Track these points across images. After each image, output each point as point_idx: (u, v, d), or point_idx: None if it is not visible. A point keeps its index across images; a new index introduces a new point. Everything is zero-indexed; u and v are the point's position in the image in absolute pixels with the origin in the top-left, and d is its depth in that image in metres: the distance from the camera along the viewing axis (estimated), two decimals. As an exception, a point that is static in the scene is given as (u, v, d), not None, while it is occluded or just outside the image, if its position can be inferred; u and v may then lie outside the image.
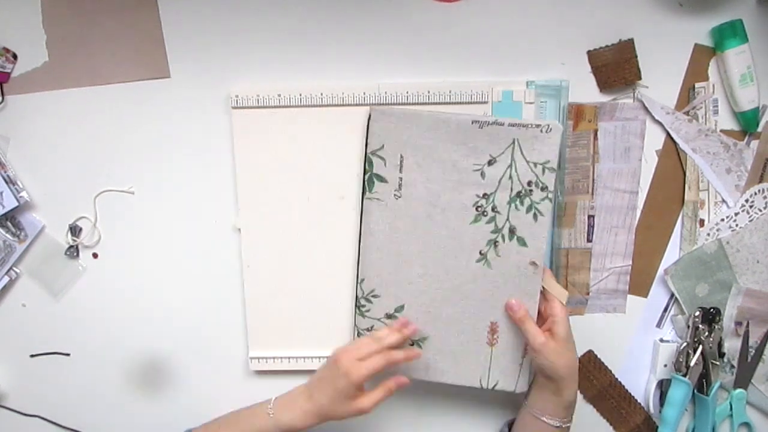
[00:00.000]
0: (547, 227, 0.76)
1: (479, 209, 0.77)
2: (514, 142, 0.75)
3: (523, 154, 0.75)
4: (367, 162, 0.78)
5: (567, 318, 0.75)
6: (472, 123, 0.75)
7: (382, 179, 0.78)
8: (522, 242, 0.77)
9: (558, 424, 0.76)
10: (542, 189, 0.76)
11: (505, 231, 0.77)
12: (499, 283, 0.78)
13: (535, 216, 0.76)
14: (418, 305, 0.80)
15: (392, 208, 0.78)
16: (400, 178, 0.78)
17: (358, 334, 0.82)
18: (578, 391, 0.86)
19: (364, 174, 0.79)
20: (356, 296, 0.81)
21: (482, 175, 0.76)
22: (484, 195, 0.77)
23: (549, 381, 0.75)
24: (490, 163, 0.76)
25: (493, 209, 0.77)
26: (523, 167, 0.75)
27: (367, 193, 0.79)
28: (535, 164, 0.75)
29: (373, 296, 0.80)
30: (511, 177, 0.76)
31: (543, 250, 0.77)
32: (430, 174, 0.77)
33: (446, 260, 0.78)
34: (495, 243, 0.77)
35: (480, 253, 0.78)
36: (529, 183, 0.76)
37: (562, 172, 0.82)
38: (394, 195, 0.78)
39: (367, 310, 0.81)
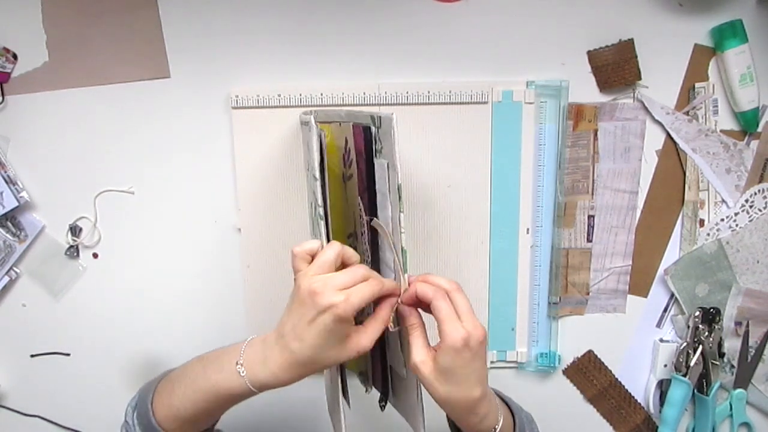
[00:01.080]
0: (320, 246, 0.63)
1: (312, 219, 0.69)
2: (307, 145, 0.67)
3: (311, 158, 0.66)
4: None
5: (459, 349, 0.58)
6: (300, 123, 0.69)
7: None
8: None
9: None
10: (315, 201, 0.63)
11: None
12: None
13: (319, 233, 0.64)
14: None
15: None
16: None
17: None
18: (580, 393, 0.87)
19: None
20: None
21: (306, 181, 0.69)
22: (311, 203, 0.69)
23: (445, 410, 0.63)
24: (307, 167, 0.68)
25: (311, 223, 0.69)
26: (309, 174, 0.67)
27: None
28: (312, 170, 0.64)
29: None
30: (310, 185, 0.68)
31: None
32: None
33: None
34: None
35: None
36: (313, 193, 0.65)
37: (562, 172, 0.82)
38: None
39: None
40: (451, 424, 0.67)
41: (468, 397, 0.60)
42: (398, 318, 0.63)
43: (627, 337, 0.86)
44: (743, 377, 0.86)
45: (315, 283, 0.58)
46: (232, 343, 0.66)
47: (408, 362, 0.61)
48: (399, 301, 0.62)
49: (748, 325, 0.85)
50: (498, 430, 0.63)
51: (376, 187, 0.64)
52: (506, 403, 0.69)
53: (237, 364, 0.62)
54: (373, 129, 0.63)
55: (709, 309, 0.83)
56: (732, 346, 0.85)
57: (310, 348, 0.58)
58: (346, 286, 0.58)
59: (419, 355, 0.60)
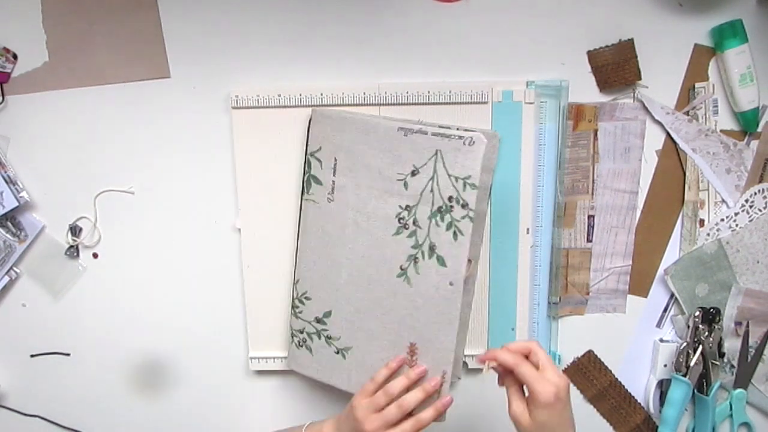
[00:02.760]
0: (466, 248, 0.69)
1: (401, 221, 0.72)
2: (437, 153, 0.69)
3: (446, 166, 0.69)
4: (306, 163, 0.77)
5: (553, 403, 0.63)
6: (398, 130, 0.71)
7: (318, 181, 0.77)
8: (441, 262, 0.70)
9: None
10: (463, 206, 0.69)
11: (425, 248, 0.71)
12: (418, 303, 0.72)
13: (455, 234, 0.69)
14: (344, 313, 0.77)
15: (325, 211, 0.77)
16: (333, 182, 0.76)
17: (292, 335, 0.82)
18: (580, 393, 0.87)
19: (303, 175, 0.78)
20: (292, 296, 0.81)
21: (405, 185, 0.71)
22: (407, 207, 0.71)
23: None
24: (413, 173, 0.71)
25: (414, 223, 0.71)
26: (444, 181, 0.69)
27: (305, 194, 0.78)
28: (456, 179, 0.68)
29: (305, 298, 0.80)
30: (432, 190, 0.70)
31: (462, 273, 0.70)
32: (359, 180, 0.74)
33: (369, 270, 0.75)
34: (415, 259, 0.72)
35: (401, 268, 0.73)
36: (450, 198, 0.69)
37: (562, 172, 0.82)
38: (327, 198, 0.76)
39: (300, 312, 0.81)
40: None
41: None
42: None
43: (627, 337, 0.86)
44: (743, 377, 0.86)
45: (360, 411, 0.71)
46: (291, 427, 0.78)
47: (509, 413, 0.66)
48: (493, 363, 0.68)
49: (748, 325, 0.85)
50: None
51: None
52: None
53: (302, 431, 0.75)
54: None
55: (709, 309, 0.83)
56: (732, 346, 0.85)
57: None
58: (388, 425, 0.69)
59: (518, 407, 0.66)
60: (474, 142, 0.68)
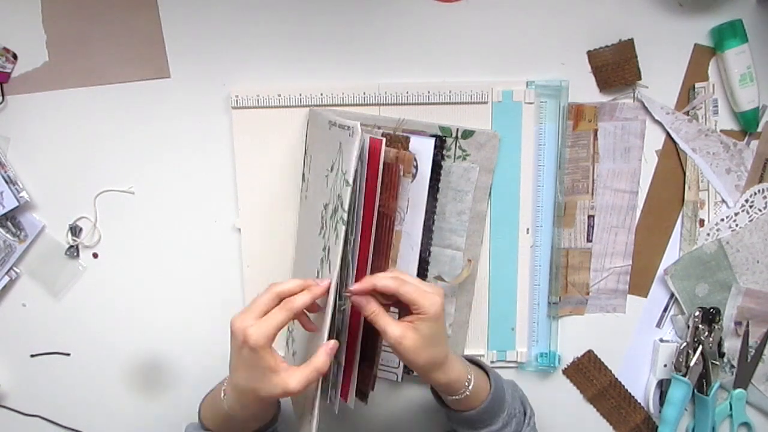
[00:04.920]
0: (339, 255, 0.61)
1: (322, 220, 0.67)
2: (339, 146, 0.62)
3: (342, 161, 0.61)
4: (303, 161, 0.78)
5: (436, 304, 0.64)
6: (328, 123, 0.66)
7: (304, 178, 0.78)
8: (333, 266, 0.63)
9: (456, 397, 0.69)
10: (341, 205, 0.61)
11: (326, 250, 0.65)
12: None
13: (337, 237, 0.61)
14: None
15: (303, 207, 0.78)
16: (308, 179, 0.77)
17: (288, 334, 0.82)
18: (580, 393, 0.87)
19: (303, 173, 0.79)
20: None
21: (326, 182, 0.65)
22: (325, 205, 0.66)
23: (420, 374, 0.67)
24: (331, 168, 0.64)
25: (324, 224, 0.66)
26: (339, 177, 0.62)
27: (301, 191, 0.79)
28: (343, 174, 0.60)
29: None
30: (333, 187, 0.63)
31: (330, 283, 0.62)
32: (315, 177, 0.72)
33: (311, 270, 0.71)
34: (322, 262, 0.66)
35: (317, 272, 0.68)
36: (338, 197, 0.62)
37: (562, 172, 0.82)
38: (305, 195, 0.77)
39: None
40: (437, 397, 0.75)
41: (444, 353, 0.67)
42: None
43: (627, 337, 0.86)
44: (743, 377, 0.86)
45: (235, 322, 0.61)
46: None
47: (387, 340, 0.64)
48: (348, 295, 0.64)
49: (748, 325, 0.85)
50: (472, 379, 0.69)
51: (450, 186, 0.77)
52: (477, 364, 0.76)
53: (223, 388, 0.69)
54: (450, 139, 0.75)
55: (709, 309, 0.83)
56: (732, 346, 0.85)
57: (244, 379, 0.62)
58: (261, 315, 0.61)
59: (396, 331, 0.63)
60: (353, 133, 0.60)
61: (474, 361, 0.77)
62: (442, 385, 0.69)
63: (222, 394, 0.68)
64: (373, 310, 0.65)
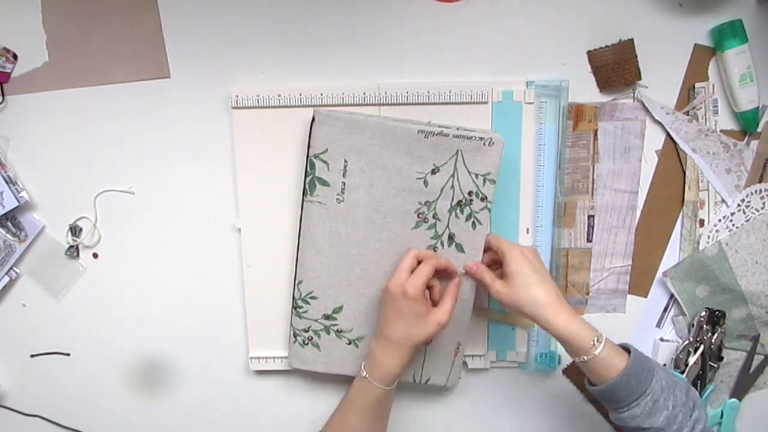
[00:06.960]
0: (484, 236, 0.78)
1: (420, 216, 0.78)
2: (457, 153, 0.77)
3: (466, 164, 0.77)
4: (309, 165, 0.78)
5: (517, 253, 0.73)
6: (418, 132, 0.76)
7: (324, 183, 0.78)
8: (460, 248, 0.79)
9: (582, 359, 0.70)
10: (482, 199, 0.78)
11: (445, 237, 0.79)
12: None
13: (473, 224, 0.78)
14: (356, 306, 0.81)
15: (333, 211, 0.79)
16: (344, 183, 0.78)
17: (294, 335, 0.82)
18: (580, 393, 0.87)
19: (306, 177, 0.79)
20: (293, 297, 0.82)
21: (425, 183, 0.78)
22: (426, 202, 0.78)
23: (531, 320, 0.73)
24: (433, 172, 0.77)
25: (434, 216, 0.78)
26: (465, 177, 0.77)
27: (308, 195, 0.79)
28: (477, 175, 0.77)
29: (311, 297, 0.81)
30: (453, 186, 0.78)
31: (479, 258, 0.79)
32: (373, 180, 0.78)
33: (385, 264, 0.79)
34: (434, 248, 0.79)
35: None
36: (470, 193, 0.78)
37: (562, 172, 0.82)
38: (337, 199, 0.78)
39: (305, 312, 0.81)
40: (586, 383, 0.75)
41: (543, 294, 0.71)
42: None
43: (627, 337, 0.86)
44: (741, 388, 0.86)
45: (391, 283, 0.74)
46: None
47: (487, 289, 0.75)
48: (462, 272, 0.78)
49: (758, 338, 0.84)
50: (602, 345, 0.69)
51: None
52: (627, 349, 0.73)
53: (362, 373, 0.75)
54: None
55: (714, 311, 0.83)
56: (735, 355, 0.85)
57: (401, 329, 0.73)
58: (409, 274, 0.74)
59: (495, 283, 0.73)
60: (494, 142, 0.76)
61: (624, 347, 0.73)
62: (560, 334, 0.70)
63: (362, 375, 0.75)
64: (480, 270, 0.77)
